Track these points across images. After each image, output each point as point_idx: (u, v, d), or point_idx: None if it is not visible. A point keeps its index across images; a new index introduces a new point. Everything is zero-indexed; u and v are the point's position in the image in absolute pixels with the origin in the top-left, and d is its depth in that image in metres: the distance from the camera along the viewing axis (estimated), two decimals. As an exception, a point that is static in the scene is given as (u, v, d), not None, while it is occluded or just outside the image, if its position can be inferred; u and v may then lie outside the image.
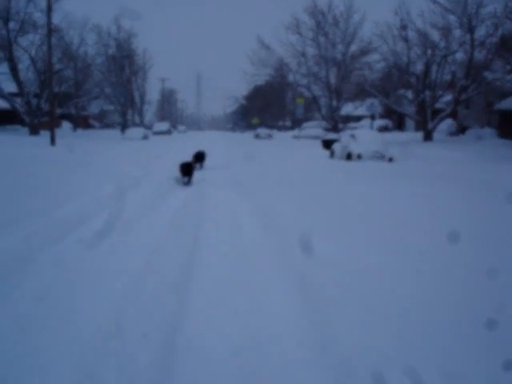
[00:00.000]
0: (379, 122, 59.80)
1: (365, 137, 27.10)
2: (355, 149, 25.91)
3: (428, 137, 41.87)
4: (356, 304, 5.64)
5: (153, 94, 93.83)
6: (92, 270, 7.06)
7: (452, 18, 39.51)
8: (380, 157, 25.45)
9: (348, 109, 58.53)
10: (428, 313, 5.40)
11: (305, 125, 66.94)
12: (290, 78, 63.38)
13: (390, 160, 25.30)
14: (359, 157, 25.47)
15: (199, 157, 21.54)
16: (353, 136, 27.24)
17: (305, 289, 6.29)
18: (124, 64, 75.71)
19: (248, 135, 79.02)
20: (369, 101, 36.67)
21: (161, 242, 8.64)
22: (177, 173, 16.93)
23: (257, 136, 66.59)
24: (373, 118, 39.46)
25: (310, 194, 13.92)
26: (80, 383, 4.14)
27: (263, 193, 14.02)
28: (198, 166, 20.18)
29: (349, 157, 26.07)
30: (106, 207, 11.48)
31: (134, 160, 25.84)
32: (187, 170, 16.74)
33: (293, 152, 34.22)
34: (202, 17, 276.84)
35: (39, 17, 45.52)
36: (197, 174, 17.77)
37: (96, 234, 8.82)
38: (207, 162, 22.30)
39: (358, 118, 64.97)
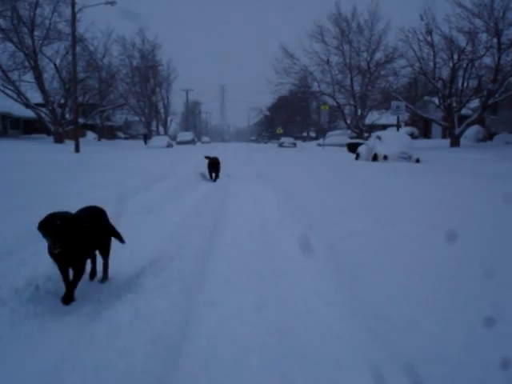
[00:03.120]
0: (405, 130, 59.25)
1: (391, 138, 26.76)
2: (381, 150, 25.56)
3: (455, 143, 41.28)
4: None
5: (177, 105, 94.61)
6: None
7: (478, 22, 38.95)
8: (407, 158, 25.03)
9: (373, 117, 58.20)
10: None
11: (329, 133, 66.69)
12: (314, 86, 63.21)
13: (417, 161, 24.88)
14: (385, 158, 25.10)
15: (213, 165, 17.79)
16: (379, 137, 26.92)
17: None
18: (148, 75, 76.47)
19: (271, 145, 78.97)
20: (394, 104, 36.19)
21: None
22: (201, 171, 18.22)
23: (281, 144, 66.51)
24: (398, 120, 39.01)
25: (341, 185, 13.89)
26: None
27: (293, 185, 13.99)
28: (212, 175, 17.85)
29: (375, 158, 25.74)
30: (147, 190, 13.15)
31: (159, 162, 25.87)
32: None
33: (318, 156, 34.06)
34: (226, 28, 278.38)
35: (64, 26, 46.12)
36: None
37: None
38: (229, 169, 20.44)
39: (384, 127, 64.35)
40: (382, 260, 5.96)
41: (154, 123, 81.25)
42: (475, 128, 48.07)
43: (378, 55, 55.39)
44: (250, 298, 5.05)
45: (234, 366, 3.76)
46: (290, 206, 10.56)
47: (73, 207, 5.40)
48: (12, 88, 46.52)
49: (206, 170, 18.07)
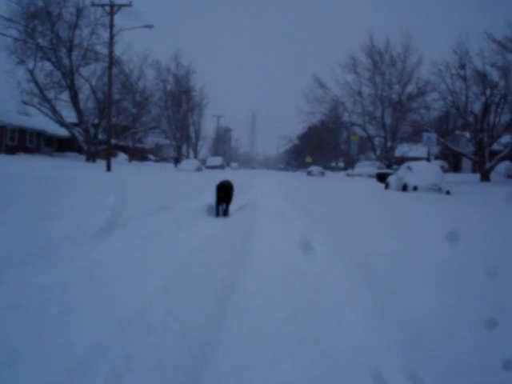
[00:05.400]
0: (435, 162, 58.93)
1: (421, 168, 26.67)
2: (411, 180, 25.48)
3: (485, 177, 40.89)
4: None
5: (208, 130, 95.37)
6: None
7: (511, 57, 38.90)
8: (437, 189, 24.88)
9: (403, 149, 57.98)
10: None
11: (358, 164, 66.56)
12: (345, 117, 63.35)
13: (448, 193, 24.73)
14: (415, 188, 25.00)
15: (223, 190, 13.21)
16: (409, 168, 26.86)
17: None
18: (181, 100, 77.48)
19: (300, 174, 79.17)
20: (426, 135, 36.13)
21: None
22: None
23: (309, 173, 66.70)
24: (429, 152, 38.88)
25: (371, 211, 13.83)
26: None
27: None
28: (220, 208, 13.24)
29: (404, 188, 25.66)
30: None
31: (192, 183, 26.09)
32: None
33: (347, 186, 34.09)
34: (259, 56, 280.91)
35: (101, 48, 47.17)
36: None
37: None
38: (260, 192, 19.73)
39: (414, 160, 64.05)
40: (414, 276, 5.99)
41: (184, 147, 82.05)
42: (506, 163, 47.61)
43: (410, 88, 55.38)
44: (281, 309, 5.10)
45: (264, 372, 3.79)
46: (323, 228, 10.57)
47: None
48: (48, 106, 47.60)
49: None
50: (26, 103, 49.13)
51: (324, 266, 6.96)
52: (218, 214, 13.05)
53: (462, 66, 42.20)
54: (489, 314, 4.59)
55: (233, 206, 13.79)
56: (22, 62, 45.55)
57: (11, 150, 49.07)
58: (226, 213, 13.12)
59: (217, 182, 13.55)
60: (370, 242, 8.21)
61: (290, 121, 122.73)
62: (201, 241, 8.81)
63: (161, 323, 4.45)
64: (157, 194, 17.09)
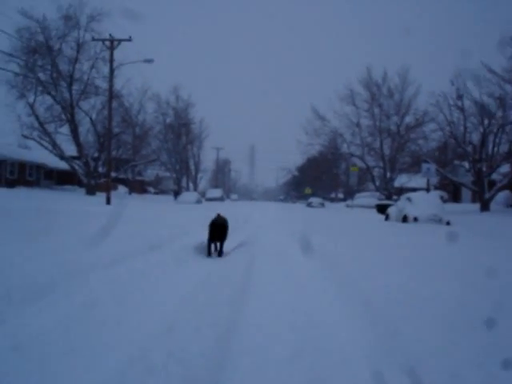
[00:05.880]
0: (435, 193, 59.00)
1: (421, 199, 26.65)
2: (411, 211, 25.45)
3: (485, 207, 40.88)
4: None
5: (207, 162, 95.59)
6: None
7: (509, 88, 39.17)
8: (437, 220, 24.82)
9: (402, 180, 58.06)
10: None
11: (358, 195, 66.54)
12: (344, 148, 63.56)
13: (448, 223, 24.66)
14: (415, 219, 24.95)
15: (216, 229, 12.21)
16: (409, 199, 26.85)
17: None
18: (181, 132, 77.86)
19: (299, 205, 79.15)
20: (425, 166, 36.26)
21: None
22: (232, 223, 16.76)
23: (309, 204, 66.66)
24: (428, 183, 38.95)
25: (372, 244, 13.76)
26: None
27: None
28: (212, 247, 12.18)
29: (404, 219, 25.60)
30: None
31: (190, 216, 26.01)
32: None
33: (347, 217, 34.06)
34: (257, 88, 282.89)
35: (101, 82, 47.48)
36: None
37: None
38: (260, 224, 18.90)
39: (413, 190, 64.13)
40: (417, 314, 5.91)
41: (184, 179, 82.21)
42: (505, 193, 47.64)
43: (408, 119, 55.70)
44: (285, 348, 5.02)
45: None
46: (326, 265, 10.46)
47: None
48: (48, 140, 47.82)
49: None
50: (26, 137, 49.32)
51: (325, 305, 6.90)
52: (209, 254, 11.88)
53: (460, 97, 42.49)
54: (500, 353, 4.53)
55: (231, 242, 13.24)
56: (22, 95, 45.82)
57: (11, 184, 49.14)
58: (220, 253, 11.92)
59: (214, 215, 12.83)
60: (372, 276, 8.13)
61: (290, 152, 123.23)
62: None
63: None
64: (150, 228, 17.00)
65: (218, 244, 12.17)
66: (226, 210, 20.98)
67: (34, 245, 9.87)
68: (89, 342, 4.91)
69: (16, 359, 4.35)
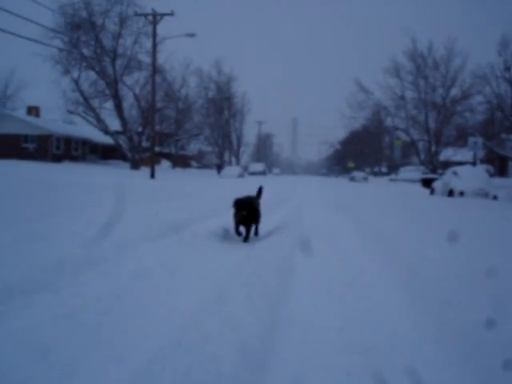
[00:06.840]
0: (481, 167, 57.90)
1: (468, 173, 26.18)
2: (457, 185, 25.05)
3: (533, 181, 40.09)
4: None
5: (250, 136, 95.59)
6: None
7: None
8: (484, 194, 24.39)
9: (447, 154, 57.09)
10: None
11: (402, 169, 65.72)
12: (388, 121, 62.79)
13: (495, 198, 24.23)
14: (461, 194, 24.56)
15: (242, 208, 9.60)
16: (455, 173, 26.41)
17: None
18: (223, 107, 77.92)
19: (342, 179, 78.64)
20: (472, 140, 35.57)
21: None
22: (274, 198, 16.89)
23: (352, 179, 66.23)
24: (475, 156, 38.22)
25: (418, 218, 13.63)
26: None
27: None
28: (240, 229, 9.80)
29: (450, 193, 25.24)
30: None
31: (234, 190, 26.11)
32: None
33: (392, 191, 33.66)
34: (301, 61, 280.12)
35: (144, 56, 47.78)
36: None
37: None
38: (304, 198, 18.77)
39: (459, 164, 63.07)
40: (467, 286, 5.83)
41: (226, 154, 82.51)
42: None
43: (454, 91, 54.63)
44: (333, 319, 5.04)
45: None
46: (372, 236, 10.44)
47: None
48: (92, 115, 48.52)
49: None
50: (71, 112, 50.25)
51: (374, 279, 6.88)
52: (238, 234, 9.82)
53: (508, 68, 41.44)
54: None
55: (270, 219, 12.38)
56: (67, 71, 46.59)
57: (57, 158, 50.14)
58: (246, 238, 9.71)
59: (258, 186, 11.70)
60: (419, 250, 8.06)
61: (332, 126, 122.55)
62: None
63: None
64: (194, 202, 17.09)
65: (245, 229, 9.83)
66: (268, 183, 20.83)
67: (85, 215, 10.12)
68: (141, 311, 4.99)
69: (70, 327, 4.46)
